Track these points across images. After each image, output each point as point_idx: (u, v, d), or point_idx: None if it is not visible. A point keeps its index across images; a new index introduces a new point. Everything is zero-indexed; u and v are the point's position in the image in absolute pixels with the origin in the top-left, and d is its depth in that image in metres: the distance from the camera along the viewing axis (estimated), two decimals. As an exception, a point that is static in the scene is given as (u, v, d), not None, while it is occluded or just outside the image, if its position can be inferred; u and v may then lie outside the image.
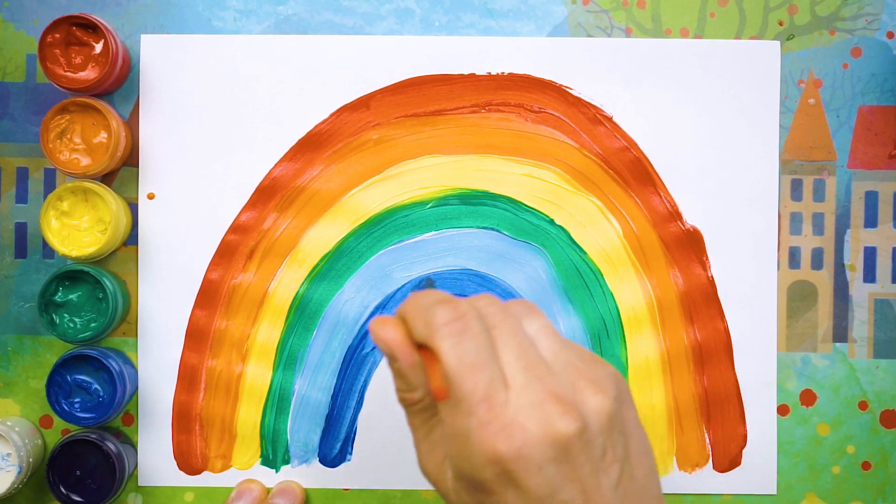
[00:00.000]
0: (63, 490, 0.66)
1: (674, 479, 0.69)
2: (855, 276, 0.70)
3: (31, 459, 0.66)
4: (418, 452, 0.49)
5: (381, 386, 0.70)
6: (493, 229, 0.70)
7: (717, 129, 0.70)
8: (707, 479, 0.69)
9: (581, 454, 0.44)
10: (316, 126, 0.70)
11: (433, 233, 0.70)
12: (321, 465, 0.70)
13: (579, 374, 0.46)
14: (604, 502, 0.44)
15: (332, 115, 0.70)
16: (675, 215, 0.70)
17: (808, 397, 0.70)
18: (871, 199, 0.70)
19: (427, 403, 0.48)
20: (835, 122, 0.70)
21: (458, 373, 0.44)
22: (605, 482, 0.45)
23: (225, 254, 0.69)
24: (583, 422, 0.44)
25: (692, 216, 0.70)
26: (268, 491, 0.69)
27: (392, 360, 0.48)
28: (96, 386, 0.66)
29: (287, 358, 0.69)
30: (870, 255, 0.70)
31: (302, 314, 0.70)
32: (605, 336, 0.69)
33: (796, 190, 0.70)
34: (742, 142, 0.70)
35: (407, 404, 0.49)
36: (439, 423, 0.48)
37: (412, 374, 0.47)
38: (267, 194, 0.69)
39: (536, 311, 0.48)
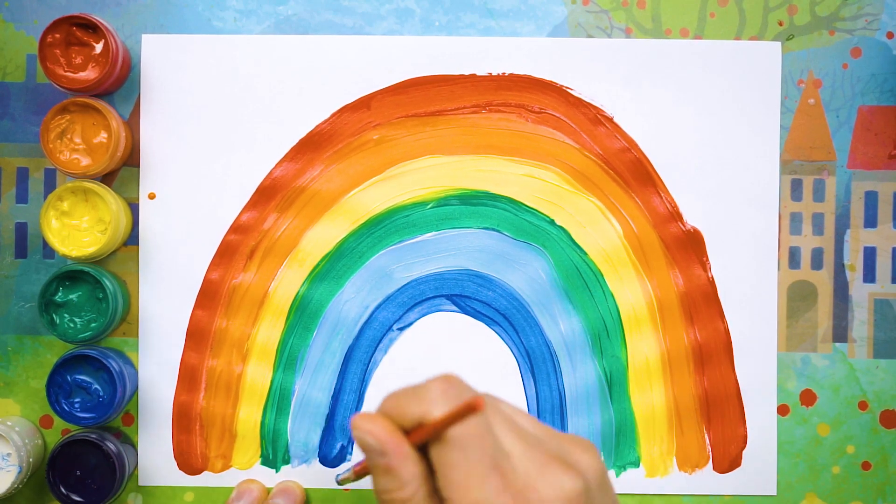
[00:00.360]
0: (63, 490, 0.66)
1: (674, 480, 0.69)
2: (855, 276, 0.70)
3: (31, 459, 0.66)
4: None
5: (381, 386, 0.70)
6: (493, 229, 0.70)
7: (718, 129, 0.70)
8: (707, 480, 0.70)
9: None
10: (316, 126, 0.70)
11: (433, 233, 0.70)
12: (321, 465, 0.70)
13: (563, 440, 0.46)
14: None
15: (332, 115, 0.70)
16: (676, 216, 0.70)
17: (808, 397, 0.70)
18: (871, 199, 0.70)
19: (418, 500, 0.45)
20: (835, 122, 0.70)
21: (466, 442, 0.43)
22: None
23: (225, 254, 0.69)
24: (584, 479, 0.44)
25: (692, 217, 0.70)
26: (268, 491, 0.69)
27: (379, 456, 0.45)
28: (96, 386, 0.66)
29: (287, 358, 0.69)
30: (870, 255, 0.70)
31: (302, 314, 0.70)
32: (606, 336, 0.69)
33: (796, 190, 0.70)
34: (742, 142, 0.70)
35: None
36: None
37: (403, 466, 0.45)
38: (267, 194, 0.69)
39: (501, 398, 0.48)
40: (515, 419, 0.46)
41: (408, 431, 0.45)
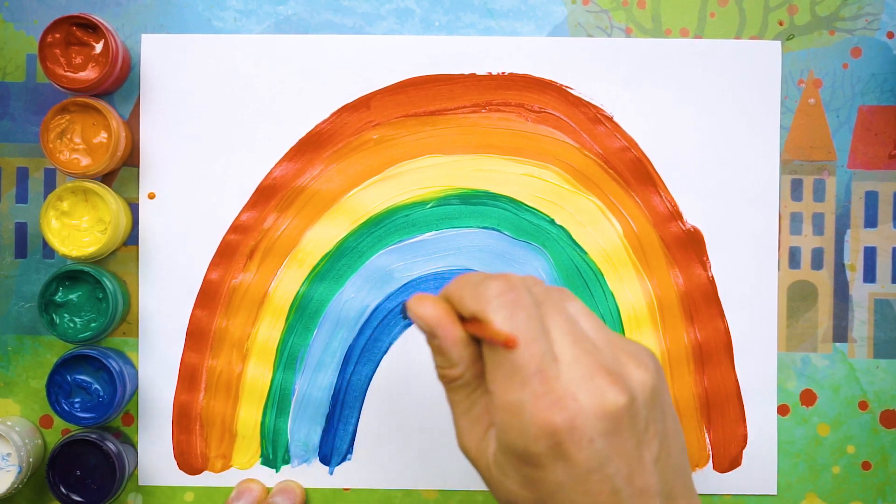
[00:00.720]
0: (63, 490, 0.66)
1: (674, 479, 0.69)
2: (855, 276, 0.70)
3: (31, 459, 0.66)
4: (457, 428, 0.49)
5: (381, 385, 0.70)
6: (493, 229, 0.70)
7: (718, 129, 0.70)
8: (707, 480, 0.69)
9: (628, 428, 0.45)
10: (316, 126, 0.70)
11: (433, 233, 0.70)
12: (321, 465, 0.70)
13: (621, 350, 0.47)
14: (646, 476, 0.45)
15: (332, 114, 0.70)
16: (676, 215, 0.70)
17: (808, 397, 0.70)
18: (871, 199, 0.70)
19: (467, 379, 0.48)
20: (835, 122, 0.70)
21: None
22: (647, 456, 0.46)
23: (225, 254, 0.69)
24: (630, 394, 0.45)
25: (692, 216, 0.70)
26: (268, 491, 0.69)
27: (431, 337, 0.48)
28: (96, 386, 0.66)
29: (287, 357, 0.69)
30: (870, 255, 0.70)
31: (302, 314, 0.70)
32: (606, 336, 0.69)
33: (796, 190, 0.70)
34: (742, 142, 0.70)
35: (447, 381, 0.49)
36: (480, 397, 0.48)
37: (453, 349, 0.48)
38: (267, 194, 0.69)
39: (574, 296, 0.49)
40: (579, 321, 0.47)
41: (464, 318, 0.48)
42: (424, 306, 0.48)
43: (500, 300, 0.46)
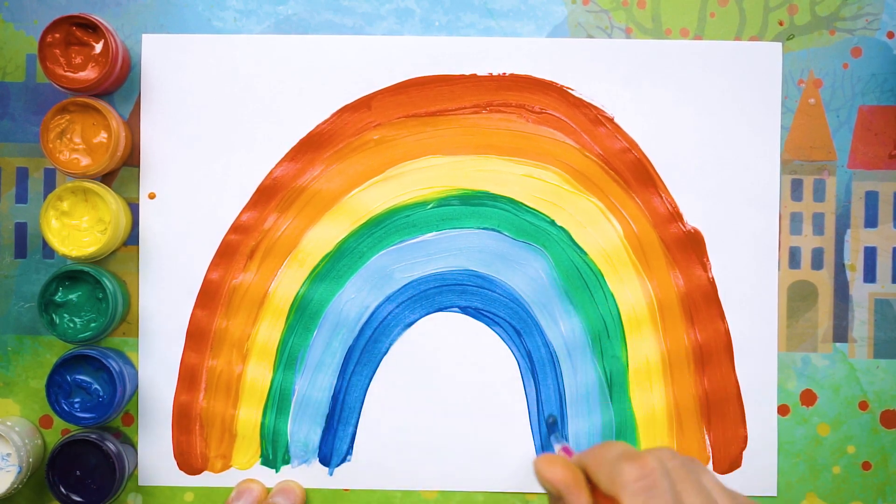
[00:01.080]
0: (63, 490, 0.66)
1: (674, 480, 0.69)
2: (855, 276, 0.70)
3: (31, 459, 0.66)
4: None
5: (381, 386, 0.70)
6: (493, 230, 0.70)
7: (718, 129, 0.70)
8: (707, 480, 0.69)
9: None
10: (317, 126, 0.70)
11: (434, 233, 0.70)
12: (321, 465, 0.70)
13: None
14: None
15: (333, 115, 0.70)
16: (676, 216, 0.70)
17: (808, 397, 0.70)
18: (871, 199, 0.70)
19: None
20: (835, 122, 0.70)
21: None
22: None
23: (225, 254, 0.69)
24: None
25: (693, 217, 0.70)
26: (268, 491, 0.69)
27: (555, 500, 0.49)
28: (96, 386, 0.66)
29: (287, 358, 0.69)
30: (870, 255, 0.70)
31: (302, 314, 0.70)
32: (606, 337, 0.69)
33: (796, 190, 0.70)
34: (742, 142, 0.70)
35: None
36: None
37: None
38: (268, 194, 0.69)
39: (704, 467, 0.50)
40: (713, 497, 0.48)
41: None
42: (553, 470, 0.49)
43: (635, 486, 0.46)
